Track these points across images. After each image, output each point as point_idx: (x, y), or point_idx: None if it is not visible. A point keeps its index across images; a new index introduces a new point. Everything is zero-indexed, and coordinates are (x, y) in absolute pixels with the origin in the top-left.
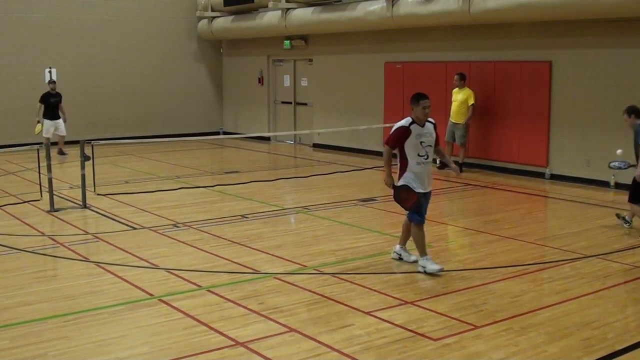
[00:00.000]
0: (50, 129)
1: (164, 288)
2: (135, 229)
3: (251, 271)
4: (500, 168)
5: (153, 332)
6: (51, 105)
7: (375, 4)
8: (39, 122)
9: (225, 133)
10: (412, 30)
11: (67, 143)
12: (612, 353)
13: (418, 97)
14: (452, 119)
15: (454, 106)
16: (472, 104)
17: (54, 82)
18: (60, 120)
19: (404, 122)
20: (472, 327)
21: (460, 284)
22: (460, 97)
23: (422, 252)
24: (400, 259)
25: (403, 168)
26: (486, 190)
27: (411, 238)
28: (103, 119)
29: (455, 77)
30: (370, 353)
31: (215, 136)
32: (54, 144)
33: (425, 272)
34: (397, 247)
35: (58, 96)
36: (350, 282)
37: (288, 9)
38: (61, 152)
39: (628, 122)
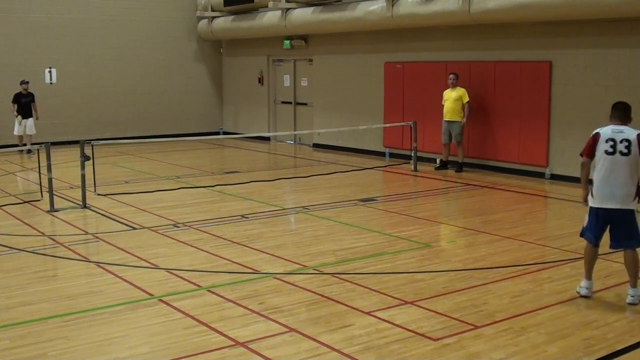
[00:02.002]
0: (20, 127)
1: (164, 288)
2: (135, 229)
3: (251, 271)
4: (500, 168)
5: (153, 332)
6: (22, 104)
7: (375, 4)
8: (17, 115)
9: (225, 133)
10: (412, 30)
11: (67, 143)
12: (612, 353)
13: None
14: (448, 117)
15: (448, 104)
16: (468, 101)
17: (27, 82)
18: (31, 120)
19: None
20: (472, 327)
21: (460, 284)
22: (454, 95)
23: (635, 283)
24: None
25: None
26: (486, 190)
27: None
28: (103, 119)
29: (452, 76)
30: (370, 353)
31: (215, 136)
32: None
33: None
34: (632, 290)
35: (29, 96)
36: (350, 282)
37: (288, 9)
38: (29, 151)
39: None
